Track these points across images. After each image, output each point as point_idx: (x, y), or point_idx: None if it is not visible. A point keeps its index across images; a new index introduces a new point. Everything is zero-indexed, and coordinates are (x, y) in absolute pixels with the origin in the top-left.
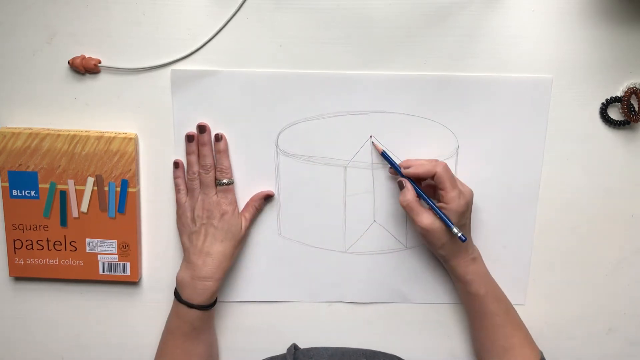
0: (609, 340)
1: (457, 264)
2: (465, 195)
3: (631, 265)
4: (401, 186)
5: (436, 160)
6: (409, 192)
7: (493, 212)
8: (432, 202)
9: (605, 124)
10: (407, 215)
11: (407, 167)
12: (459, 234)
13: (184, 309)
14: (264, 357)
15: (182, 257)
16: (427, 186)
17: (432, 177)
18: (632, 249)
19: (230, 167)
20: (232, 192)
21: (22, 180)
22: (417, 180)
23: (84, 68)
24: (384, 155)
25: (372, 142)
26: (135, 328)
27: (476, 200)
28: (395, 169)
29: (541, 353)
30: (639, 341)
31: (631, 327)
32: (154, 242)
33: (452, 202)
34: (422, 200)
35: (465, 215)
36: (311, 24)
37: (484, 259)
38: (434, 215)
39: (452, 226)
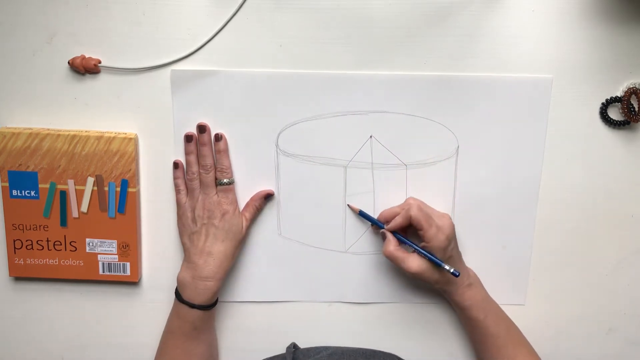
0: (609, 340)
1: (454, 292)
2: (443, 229)
3: (631, 265)
4: (384, 237)
5: (409, 202)
6: (390, 243)
7: (493, 212)
8: (417, 247)
9: (605, 124)
10: (395, 265)
11: (385, 221)
12: (451, 270)
13: (184, 309)
14: (264, 357)
15: (183, 257)
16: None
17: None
18: (632, 249)
19: (230, 167)
20: (233, 191)
21: (22, 180)
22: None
23: (84, 68)
24: (361, 214)
25: (348, 205)
26: (135, 328)
27: (476, 200)
28: (376, 225)
29: None
30: (639, 341)
31: (631, 327)
32: (154, 242)
33: (432, 240)
34: (407, 245)
35: (448, 248)
36: (311, 24)
37: (483, 259)
38: (419, 257)
39: (443, 264)
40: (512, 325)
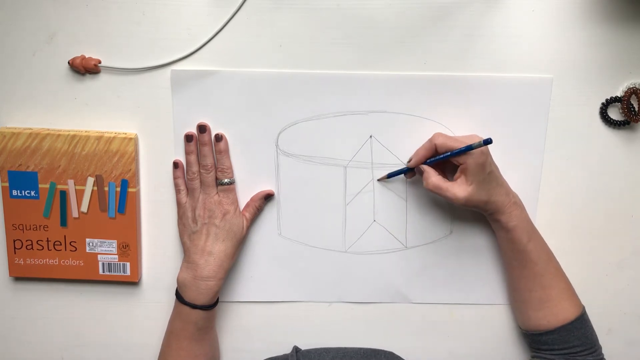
0: (609, 340)
1: (502, 210)
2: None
3: (631, 265)
4: (421, 173)
5: (431, 137)
6: (431, 175)
7: None
8: (447, 154)
9: (605, 124)
10: (440, 196)
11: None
12: (482, 140)
13: (187, 310)
14: (264, 358)
15: (182, 257)
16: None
17: (436, 150)
18: (632, 249)
19: (231, 167)
20: (234, 191)
21: (22, 180)
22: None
23: (84, 68)
24: (391, 175)
25: (378, 180)
26: (135, 328)
27: None
28: (408, 172)
29: (583, 308)
30: (638, 341)
31: (631, 327)
32: (154, 242)
33: (467, 159)
34: (447, 176)
35: (487, 162)
36: (311, 24)
37: (484, 259)
38: (463, 184)
39: (471, 144)
40: (553, 256)
